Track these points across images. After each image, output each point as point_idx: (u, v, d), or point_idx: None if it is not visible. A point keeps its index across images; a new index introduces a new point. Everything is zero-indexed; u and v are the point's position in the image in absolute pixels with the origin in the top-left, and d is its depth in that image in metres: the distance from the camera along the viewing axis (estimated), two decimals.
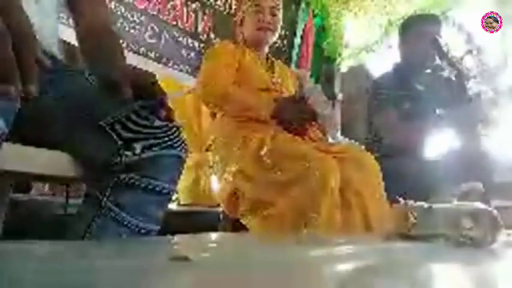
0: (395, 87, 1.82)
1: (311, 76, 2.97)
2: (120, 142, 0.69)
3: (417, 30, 1.85)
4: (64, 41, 0.90)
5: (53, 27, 0.84)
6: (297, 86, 1.48)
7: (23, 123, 0.62)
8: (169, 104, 0.72)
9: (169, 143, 0.73)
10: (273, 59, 1.65)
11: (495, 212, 0.76)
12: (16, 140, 0.63)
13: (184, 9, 2.30)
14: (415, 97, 1.81)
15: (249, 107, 1.35)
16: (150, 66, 2.11)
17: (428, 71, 1.87)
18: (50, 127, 0.72)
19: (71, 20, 0.91)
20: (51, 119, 0.70)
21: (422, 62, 1.86)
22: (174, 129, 0.75)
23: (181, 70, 2.27)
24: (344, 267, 0.49)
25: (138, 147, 0.70)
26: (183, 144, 0.76)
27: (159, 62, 2.15)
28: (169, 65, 2.20)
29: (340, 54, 3.45)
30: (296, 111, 1.34)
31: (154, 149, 0.71)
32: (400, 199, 0.86)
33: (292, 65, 2.89)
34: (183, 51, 2.28)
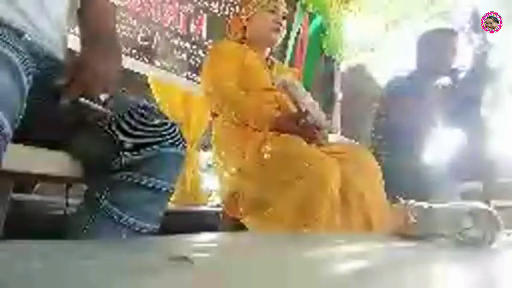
0: (407, 92, 1.85)
1: (306, 76, 3.00)
2: (119, 141, 0.69)
3: (435, 40, 1.93)
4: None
5: (62, 37, 0.87)
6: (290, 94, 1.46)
7: (23, 124, 0.62)
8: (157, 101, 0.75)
9: (170, 141, 0.73)
10: (273, 59, 1.65)
11: (495, 212, 0.76)
12: (16, 140, 0.63)
13: (177, 12, 2.30)
14: (425, 104, 1.84)
15: (250, 119, 1.34)
16: (142, 68, 2.12)
17: (445, 77, 1.93)
18: (50, 127, 0.72)
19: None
20: (51, 120, 0.70)
21: (437, 70, 1.93)
22: (174, 127, 0.75)
23: (173, 71, 2.27)
24: (344, 267, 0.49)
25: (137, 146, 0.70)
26: (183, 142, 0.76)
27: (151, 64, 2.16)
28: (162, 66, 2.21)
29: (340, 54, 3.45)
30: (298, 131, 1.30)
31: (154, 147, 0.71)
32: (400, 199, 0.86)
33: (286, 66, 2.92)
34: (175, 53, 2.29)
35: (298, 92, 1.39)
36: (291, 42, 2.99)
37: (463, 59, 1.92)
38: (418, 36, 2.03)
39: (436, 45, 1.91)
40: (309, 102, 1.41)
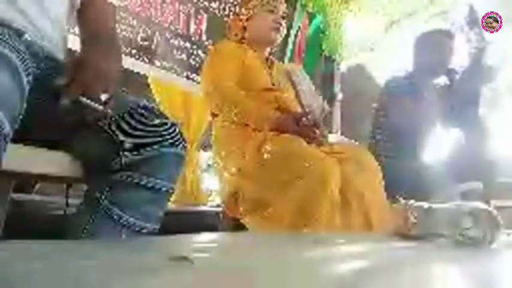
0: (405, 92, 1.86)
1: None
2: (119, 141, 0.69)
3: (431, 42, 1.94)
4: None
5: (62, 37, 0.87)
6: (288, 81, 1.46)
7: (23, 124, 0.62)
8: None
9: (170, 141, 0.73)
10: (273, 59, 1.65)
11: (495, 212, 0.76)
12: (16, 140, 0.63)
13: (177, 12, 2.31)
14: (423, 103, 1.84)
15: (250, 119, 1.34)
16: (142, 68, 2.12)
17: (442, 77, 1.94)
18: (50, 127, 0.72)
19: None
20: (51, 120, 0.70)
21: (434, 71, 1.94)
22: (174, 127, 0.75)
23: (173, 71, 2.28)
24: (344, 267, 0.49)
25: (137, 146, 0.70)
26: (183, 142, 0.76)
27: (151, 64, 2.16)
28: (162, 66, 2.21)
29: (340, 54, 3.45)
30: (297, 131, 1.29)
31: (154, 147, 0.71)
32: (400, 199, 0.86)
33: (286, 62, 2.94)
34: (175, 53, 2.29)
35: (299, 78, 1.39)
36: (291, 40, 3.00)
37: (460, 59, 1.92)
38: (415, 37, 2.03)
39: (433, 46, 1.92)
40: (307, 88, 1.41)
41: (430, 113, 1.87)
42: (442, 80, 1.96)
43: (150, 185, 0.71)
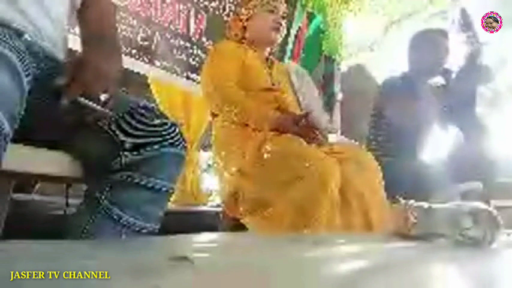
0: (402, 92, 1.85)
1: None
2: (119, 141, 0.69)
3: (426, 41, 1.93)
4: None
5: (62, 37, 0.87)
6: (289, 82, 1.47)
7: (23, 124, 0.62)
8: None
9: (170, 141, 0.73)
10: (273, 59, 1.65)
11: (495, 212, 0.76)
12: (16, 140, 0.63)
13: (177, 12, 2.31)
14: (420, 103, 1.84)
15: (250, 119, 1.34)
16: (142, 68, 2.12)
17: (438, 77, 1.93)
18: (50, 127, 0.72)
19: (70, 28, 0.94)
20: (51, 120, 0.70)
21: (430, 70, 1.94)
22: (174, 127, 0.75)
23: (173, 71, 2.28)
24: (344, 267, 0.49)
25: (137, 146, 0.70)
26: (183, 142, 0.76)
27: (151, 64, 2.16)
28: (161, 66, 2.22)
29: (340, 54, 3.45)
30: (297, 132, 1.30)
31: (154, 147, 0.71)
32: (400, 199, 0.86)
33: (286, 61, 2.94)
34: (175, 53, 2.29)
35: (297, 78, 1.40)
36: (291, 40, 3.01)
37: (456, 59, 1.92)
38: (411, 36, 2.03)
39: (428, 45, 1.91)
40: (307, 90, 1.41)
41: (428, 112, 1.87)
42: (438, 80, 1.95)
43: (150, 185, 0.71)
